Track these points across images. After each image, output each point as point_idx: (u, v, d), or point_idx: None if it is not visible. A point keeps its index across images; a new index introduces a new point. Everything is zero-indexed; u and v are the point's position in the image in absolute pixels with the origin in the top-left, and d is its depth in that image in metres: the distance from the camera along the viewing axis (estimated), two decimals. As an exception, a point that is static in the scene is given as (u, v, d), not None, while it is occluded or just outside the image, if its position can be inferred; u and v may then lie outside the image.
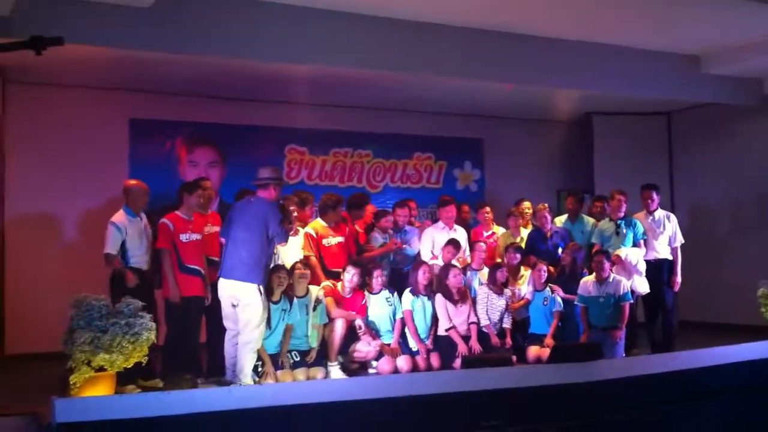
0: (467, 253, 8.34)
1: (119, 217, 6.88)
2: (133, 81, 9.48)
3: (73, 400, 5.34)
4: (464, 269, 7.95)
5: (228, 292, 6.43)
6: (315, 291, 7.13)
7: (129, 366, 5.73)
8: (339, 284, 7.34)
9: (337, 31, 7.84)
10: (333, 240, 7.61)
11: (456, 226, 8.40)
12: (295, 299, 6.98)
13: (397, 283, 7.72)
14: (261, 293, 6.38)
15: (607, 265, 7.79)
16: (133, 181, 7.28)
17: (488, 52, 8.61)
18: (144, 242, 6.95)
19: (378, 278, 7.44)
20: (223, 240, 6.72)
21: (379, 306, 7.46)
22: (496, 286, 7.79)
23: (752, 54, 9.42)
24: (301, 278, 7.02)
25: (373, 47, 8.11)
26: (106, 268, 6.81)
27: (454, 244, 7.92)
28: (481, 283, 7.94)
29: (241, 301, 6.38)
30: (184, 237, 6.88)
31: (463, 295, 7.69)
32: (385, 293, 7.51)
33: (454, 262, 7.86)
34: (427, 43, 8.29)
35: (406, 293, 7.53)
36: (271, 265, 6.84)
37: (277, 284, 6.83)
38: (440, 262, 7.90)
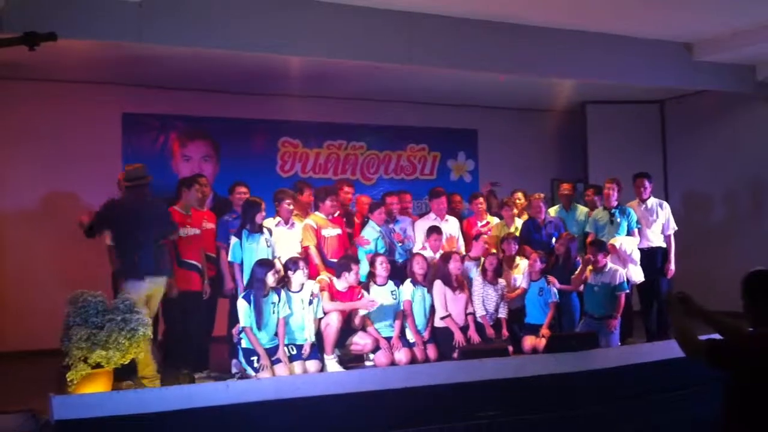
0: (460, 242, 8.35)
1: None
2: (126, 75, 9.44)
3: (70, 397, 5.35)
4: (462, 259, 7.96)
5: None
6: (310, 285, 7.05)
7: (126, 362, 5.73)
8: (335, 278, 7.31)
9: (330, 23, 7.80)
10: (332, 231, 7.63)
11: (447, 217, 8.41)
12: (288, 293, 6.87)
13: (392, 275, 7.67)
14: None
15: (600, 256, 7.80)
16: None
17: (482, 42, 8.58)
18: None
19: (383, 264, 7.39)
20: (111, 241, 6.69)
21: (384, 298, 7.37)
22: (488, 275, 7.79)
23: (745, 41, 9.38)
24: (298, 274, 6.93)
25: (366, 38, 8.07)
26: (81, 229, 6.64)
27: (436, 231, 7.93)
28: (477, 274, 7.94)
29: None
30: (182, 232, 6.87)
31: (461, 284, 7.69)
32: (391, 285, 7.46)
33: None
34: (421, 34, 8.25)
35: (407, 283, 7.51)
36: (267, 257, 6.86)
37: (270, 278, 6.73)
38: (430, 253, 7.88)
